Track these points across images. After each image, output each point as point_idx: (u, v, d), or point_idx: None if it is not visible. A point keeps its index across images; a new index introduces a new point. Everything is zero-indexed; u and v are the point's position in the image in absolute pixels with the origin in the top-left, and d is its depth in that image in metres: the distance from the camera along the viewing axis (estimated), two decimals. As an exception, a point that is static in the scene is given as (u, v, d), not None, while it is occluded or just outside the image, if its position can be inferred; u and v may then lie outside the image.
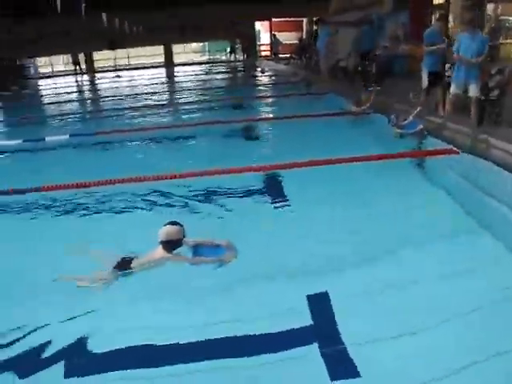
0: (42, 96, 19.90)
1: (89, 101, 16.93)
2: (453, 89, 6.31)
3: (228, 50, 30.43)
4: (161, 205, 5.25)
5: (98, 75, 26.11)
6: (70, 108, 14.31)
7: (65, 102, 15.53)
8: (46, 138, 9.05)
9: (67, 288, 3.56)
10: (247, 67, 24.41)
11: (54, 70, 30.51)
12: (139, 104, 13.28)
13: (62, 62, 31.63)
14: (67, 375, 2.72)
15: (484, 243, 3.86)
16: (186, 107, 12.34)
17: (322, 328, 2.97)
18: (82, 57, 28.01)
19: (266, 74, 20.04)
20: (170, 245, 3.70)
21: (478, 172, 4.74)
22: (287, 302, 3.21)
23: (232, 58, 29.51)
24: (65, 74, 28.29)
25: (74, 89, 21.31)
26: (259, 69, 22.20)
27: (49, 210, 5.29)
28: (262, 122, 9.63)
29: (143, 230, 4.25)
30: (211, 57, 33.16)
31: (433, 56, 7.25)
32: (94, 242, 4.22)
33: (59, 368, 2.77)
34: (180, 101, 14.07)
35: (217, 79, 20.48)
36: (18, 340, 3.01)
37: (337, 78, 12.91)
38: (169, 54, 29.28)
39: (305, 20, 26.88)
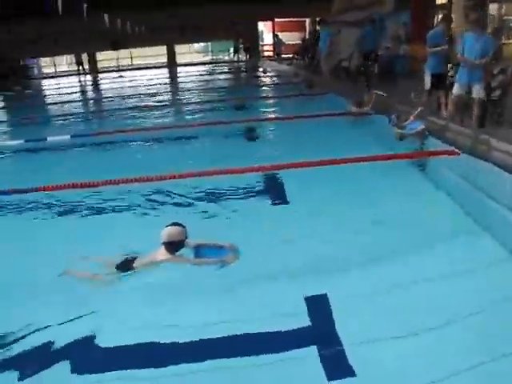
0: (45, 96, 19.96)
1: (92, 101, 16.97)
2: (455, 90, 6.27)
3: (231, 50, 30.45)
4: (163, 205, 5.27)
5: (101, 75, 26.21)
6: (73, 108, 14.34)
7: (68, 102, 15.57)
8: (49, 138, 9.08)
9: (67, 288, 3.58)
10: (249, 67, 24.42)
11: (58, 70, 30.62)
12: (141, 104, 13.30)
13: (65, 62, 31.74)
14: (67, 375, 2.73)
15: (484, 244, 3.86)
16: (188, 108, 12.36)
17: (322, 328, 2.98)
18: (85, 57, 28.10)
19: (268, 74, 20.04)
20: (173, 246, 3.71)
21: (478, 173, 4.73)
22: (289, 302, 3.22)
23: (236, 58, 29.50)
24: (68, 74, 28.35)
25: (77, 89, 21.36)
26: (261, 69, 22.22)
27: (50, 210, 5.30)
28: (264, 122, 9.63)
29: (145, 230, 4.28)
30: (214, 57, 33.19)
31: (436, 57, 7.18)
32: (94, 242, 4.24)
33: (59, 368, 2.79)
34: (182, 101, 14.11)
35: (219, 79, 20.51)
36: (18, 340, 3.02)
37: (339, 79, 12.90)
38: (171, 55, 29.32)
39: (308, 20, 26.85)
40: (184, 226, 3.73)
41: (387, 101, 8.34)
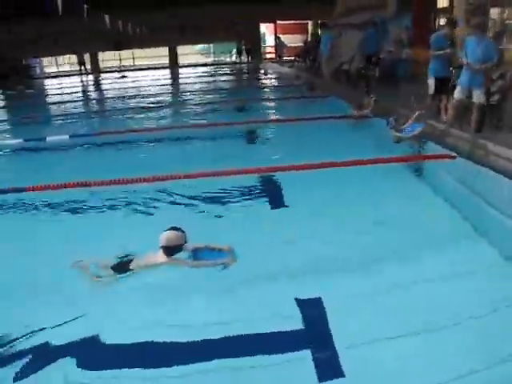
0: (46, 95, 19.98)
1: (93, 101, 16.99)
2: (457, 94, 6.27)
3: (234, 51, 30.45)
4: (163, 205, 5.27)
5: (103, 75, 26.22)
6: (75, 108, 14.35)
7: (69, 101, 15.59)
8: (50, 138, 9.07)
9: (67, 288, 3.59)
10: (251, 69, 24.44)
11: (60, 70, 30.65)
12: (142, 105, 13.32)
13: (67, 62, 31.75)
14: (67, 375, 2.73)
15: (482, 247, 3.88)
16: (189, 109, 12.38)
17: (322, 328, 2.98)
18: (87, 57, 28.14)
19: (270, 76, 20.06)
20: (170, 250, 3.72)
21: (475, 177, 4.74)
22: (289, 302, 3.23)
23: (238, 59, 29.49)
24: (70, 74, 28.39)
25: (79, 89, 21.37)
26: (262, 71, 22.23)
27: (50, 210, 5.31)
28: (265, 124, 9.63)
29: (145, 230, 4.30)
30: (216, 58, 33.23)
31: (439, 61, 7.16)
32: (95, 242, 4.25)
33: (59, 368, 2.79)
34: (183, 102, 14.12)
35: (220, 81, 20.51)
36: (17, 340, 3.02)
37: (340, 82, 12.92)
38: (173, 56, 29.34)
39: (310, 23, 26.87)
40: (183, 231, 3.72)
41: (385, 105, 8.35)
